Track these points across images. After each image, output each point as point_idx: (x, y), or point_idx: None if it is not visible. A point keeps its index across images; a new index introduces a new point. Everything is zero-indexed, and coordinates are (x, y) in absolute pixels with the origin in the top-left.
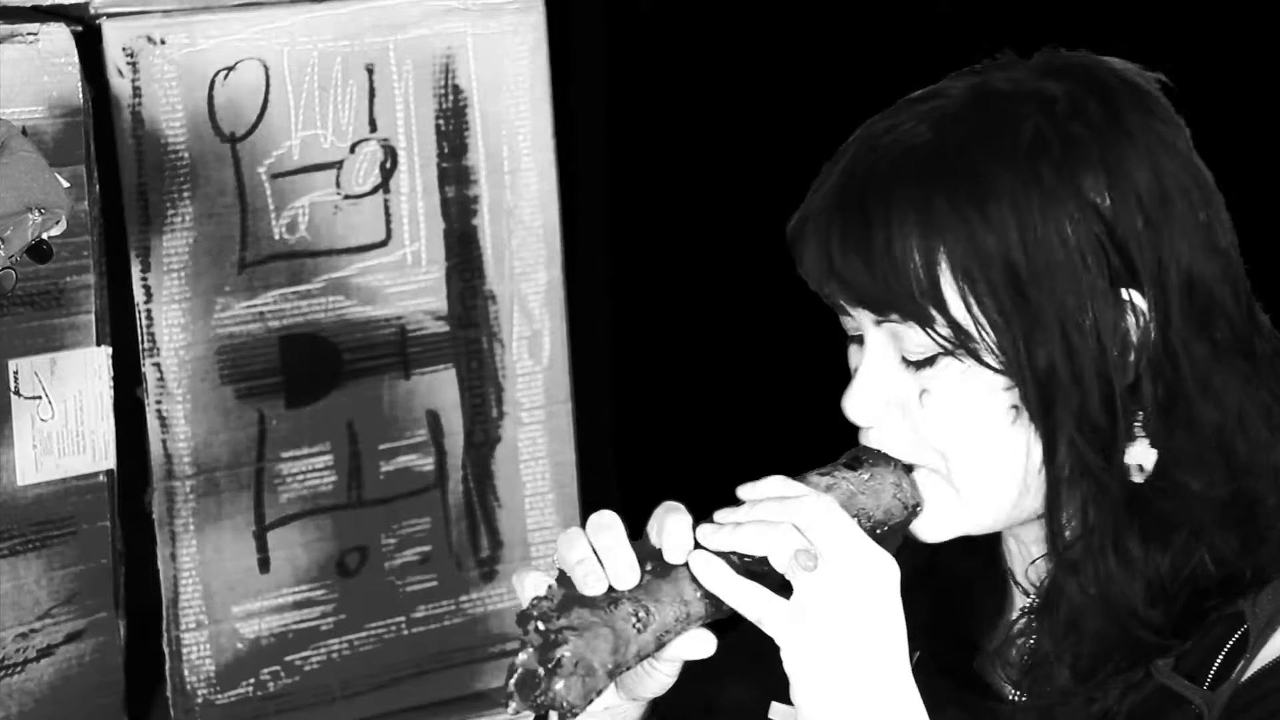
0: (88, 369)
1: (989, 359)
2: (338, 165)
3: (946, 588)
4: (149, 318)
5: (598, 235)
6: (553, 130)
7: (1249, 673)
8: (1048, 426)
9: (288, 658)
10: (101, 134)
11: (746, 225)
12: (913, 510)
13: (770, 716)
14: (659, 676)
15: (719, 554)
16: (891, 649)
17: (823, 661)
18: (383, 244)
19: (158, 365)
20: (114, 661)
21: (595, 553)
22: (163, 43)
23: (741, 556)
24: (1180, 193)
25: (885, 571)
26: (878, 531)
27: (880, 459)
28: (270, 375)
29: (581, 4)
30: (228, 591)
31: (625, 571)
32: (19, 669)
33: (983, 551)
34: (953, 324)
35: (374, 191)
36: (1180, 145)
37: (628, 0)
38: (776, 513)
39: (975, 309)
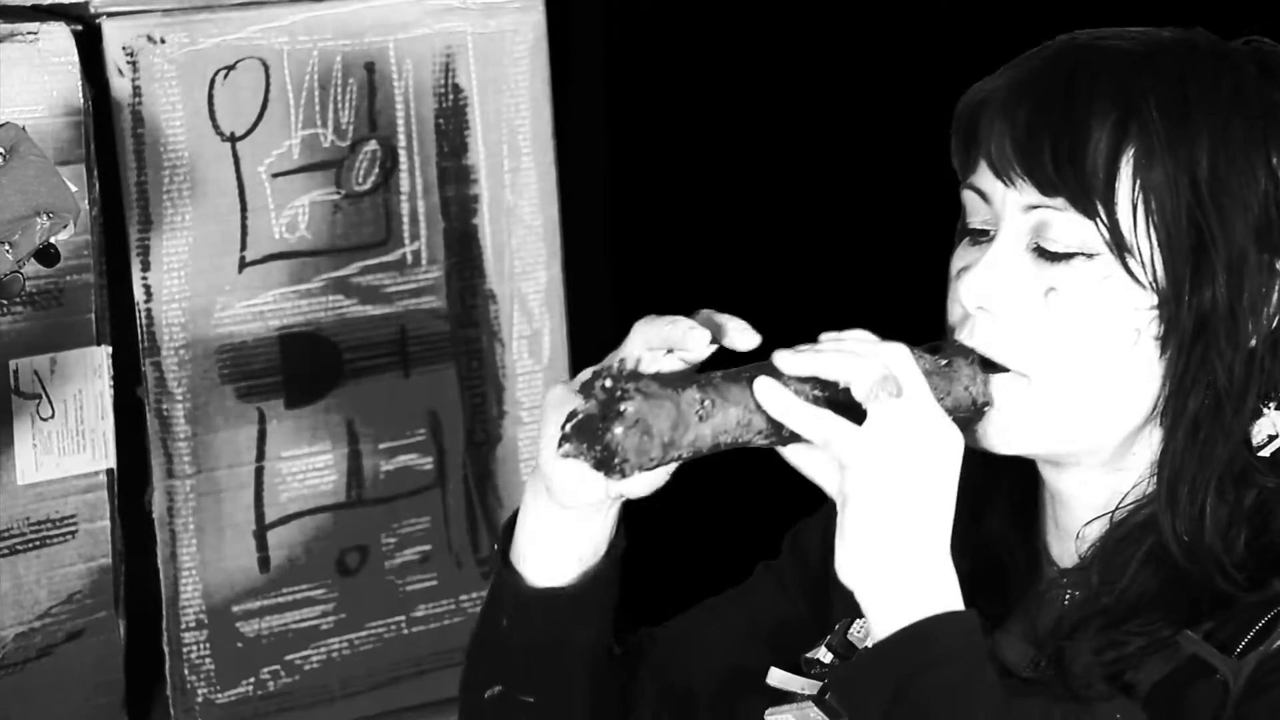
0: (88, 368)
1: (1138, 273)
2: (338, 164)
3: (984, 553)
4: (149, 317)
5: (598, 235)
6: (553, 130)
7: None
8: (1189, 357)
9: (287, 657)
10: (101, 134)
11: (747, 224)
12: (980, 409)
13: (768, 681)
14: (651, 477)
15: (795, 379)
16: (944, 500)
17: (884, 488)
18: (383, 243)
19: (157, 365)
20: (114, 661)
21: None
22: (162, 42)
23: (812, 388)
24: None
25: (953, 437)
26: None
27: (958, 351)
28: (270, 375)
29: (581, 4)
30: (228, 591)
31: (706, 347)
32: (19, 668)
33: (1021, 525)
34: (1114, 226)
35: (374, 191)
36: None
37: (628, 0)
38: (860, 348)
39: (1145, 219)
